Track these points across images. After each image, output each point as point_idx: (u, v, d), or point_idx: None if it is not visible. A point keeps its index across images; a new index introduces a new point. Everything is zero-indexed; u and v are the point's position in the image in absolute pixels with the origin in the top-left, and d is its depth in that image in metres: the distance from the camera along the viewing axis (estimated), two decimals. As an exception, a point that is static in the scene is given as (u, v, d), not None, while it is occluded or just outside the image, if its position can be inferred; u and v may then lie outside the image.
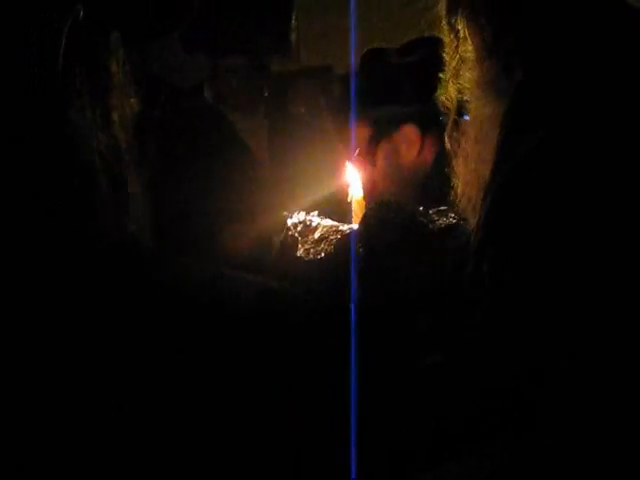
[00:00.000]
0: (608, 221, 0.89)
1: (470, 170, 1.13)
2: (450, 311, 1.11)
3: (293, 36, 2.25)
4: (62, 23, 0.61)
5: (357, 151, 1.73)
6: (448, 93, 1.13)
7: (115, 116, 0.70)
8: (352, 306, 1.20)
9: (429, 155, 1.72)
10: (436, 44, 2.04)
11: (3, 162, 0.59)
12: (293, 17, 2.22)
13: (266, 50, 2.26)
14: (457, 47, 1.08)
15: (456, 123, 1.13)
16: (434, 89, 1.84)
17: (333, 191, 1.61)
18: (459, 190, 1.16)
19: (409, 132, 1.74)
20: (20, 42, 0.58)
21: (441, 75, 1.77)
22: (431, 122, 1.65)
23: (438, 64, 1.92)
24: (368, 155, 1.75)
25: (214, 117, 2.34)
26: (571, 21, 0.97)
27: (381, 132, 1.76)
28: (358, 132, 1.76)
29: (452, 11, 1.06)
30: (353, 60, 1.75)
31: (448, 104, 1.14)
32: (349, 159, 1.63)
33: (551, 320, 0.89)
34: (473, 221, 1.12)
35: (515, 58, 0.98)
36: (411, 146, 1.74)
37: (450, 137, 1.14)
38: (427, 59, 1.88)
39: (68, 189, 0.63)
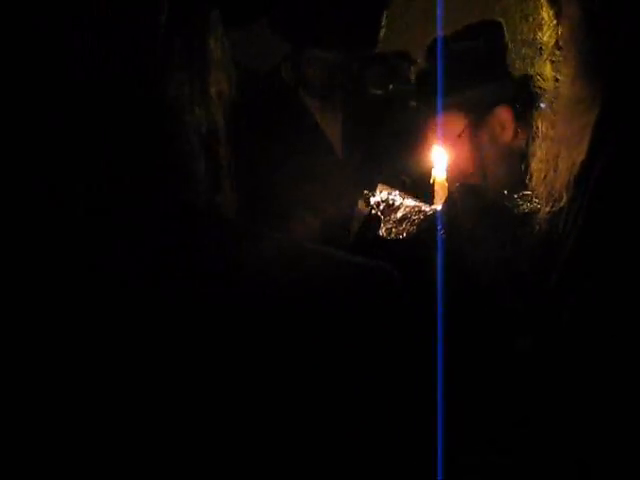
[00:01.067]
0: None
1: (552, 154, 1.07)
2: (538, 295, 1.06)
3: (382, 33, 2.19)
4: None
5: (450, 137, 1.67)
6: (544, 73, 1.06)
7: (213, 92, 0.67)
8: (437, 288, 1.17)
9: (523, 137, 1.65)
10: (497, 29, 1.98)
11: (105, 133, 0.57)
12: (385, 15, 2.15)
13: (353, 46, 2.20)
14: (557, 25, 1.01)
15: (547, 105, 1.06)
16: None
17: (415, 172, 1.57)
18: (537, 174, 1.10)
19: (503, 114, 1.67)
20: (122, 11, 0.56)
21: (513, 56, 1.71)
22: (524, 103, 1.59)
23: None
24: (463, 141, 1.69)
25: (291, 100, 2.31)
26: None
27: (475, 116, 1.70)
28: (450, 119, 1.71)
29: None
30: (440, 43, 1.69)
31: (543, 84, 1.07)
32: (433, 141, 1.58)
33: None
34: (549, 205, 1.07)
35: (626, 34, 0.91)
36: (506, 128, 1.67)
37: (540, 117, 1.07)
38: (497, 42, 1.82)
39: (165, 163, 0.61)
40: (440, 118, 1.69)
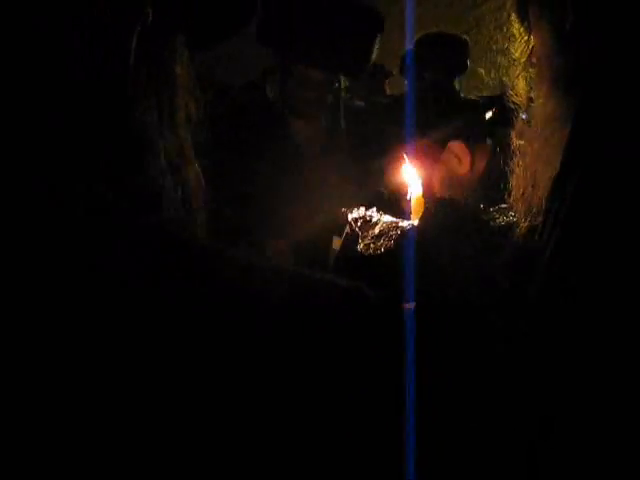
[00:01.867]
0: None
1: (530, 170, 1.06)
2: (515, 310, 1.05)
3: (372, 59, 2.17)
4: (132, 25, 0.57)
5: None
6: (517, 89, 1.06)
7: (180, 116, 0.66)
8: (411, 302, 1.16)
9: (481, 165, 1.68)
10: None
11: (72, 155, 0.56)
12: (377, 43, 2.13)
13: (344, 69, 2.19)
14: (528, 41, 1.00)
15: (523, 121, 1.06)
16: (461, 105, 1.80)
17: (390, 189, 1.57)
18: (516, 191, 1.10)
19: (457, 149, 1.70)
20: (94, 42, 0.55)
21: (481, 70, 1.73)
22: (479, 131, 1.63)
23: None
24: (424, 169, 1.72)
25: (268, 116, 2.29)
26: None
27: (433, 148, 1.74)
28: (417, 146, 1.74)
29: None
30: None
31: (517, 100, 1.07)
32: (408, 158, 1.58)
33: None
34: (527, 220, 1.07)
35: (595, 51, 0.91)
36: (461, 161, 1.70)
37: (517, 135, 1.07)
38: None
39: (133, 187, 0.60)
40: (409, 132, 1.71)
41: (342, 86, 2.27)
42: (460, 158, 1.70)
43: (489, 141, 1.71)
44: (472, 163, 1.69)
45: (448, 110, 1.76)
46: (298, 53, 2.08)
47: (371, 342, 0.64)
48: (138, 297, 0.56)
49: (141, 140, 0.61)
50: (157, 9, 0.60)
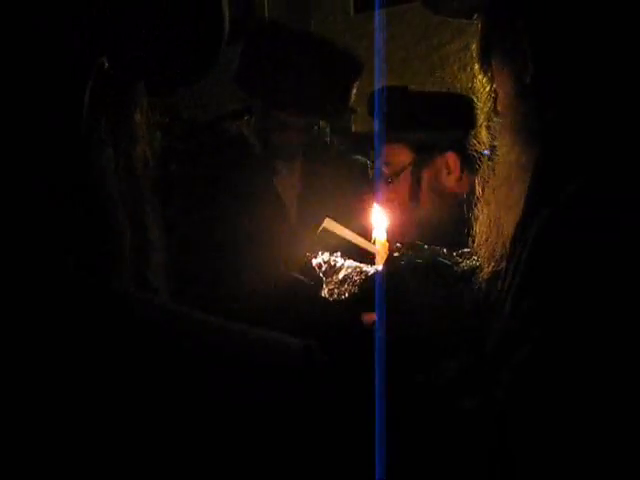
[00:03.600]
0: None
1: (494, 216, 1.06)
2: (478, 356, 1.04)
3: (350, 104, 2.17)
4: (86, 75, 0.56)
5: (395, 175, 1.70)
6: (480, 137, 1.06)
7: (138, 166, 0.64)
8: (376, 347, 1.14)
9: (465, 186, 1.67)
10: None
11: (30, 212, 0.55)
12: (355, 87, 2.13)
13: (323, 113, 2.18)
14: (489, 90, 1.00)
15: (488, 168, 1.06)
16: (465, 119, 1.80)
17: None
18: (479, 236, 1.10)
19: (452, 159, 1.69)
20: (44, 96, 0.54)
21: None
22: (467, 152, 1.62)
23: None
24: (404, 177, 1.71)
25: (239, 155, 2.26)
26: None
27: (422, 157, 1.72)
28: (398, 156, 1.73)
29: (486, 52, 0.99)
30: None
31: (480, 148, 1.07)
32: (375, 200, 1.58)
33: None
34: (490, 265, 1.07)
35: (554, 103, 0.91)
36: (451, 173, 1.69)
37: (482, 181, 1.07)
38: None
39: (91, 240, 0.59)
40: (385, 152, 1.71)
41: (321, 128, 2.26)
42: (451, 169, 1.70)
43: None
44: (459, 179, 1.69)
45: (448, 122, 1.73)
46: (277, 99, 2.07)
47: (314, 401, 0.63)
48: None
49: (97, 192, 0.59)
50: (114, 57, 0.58)
